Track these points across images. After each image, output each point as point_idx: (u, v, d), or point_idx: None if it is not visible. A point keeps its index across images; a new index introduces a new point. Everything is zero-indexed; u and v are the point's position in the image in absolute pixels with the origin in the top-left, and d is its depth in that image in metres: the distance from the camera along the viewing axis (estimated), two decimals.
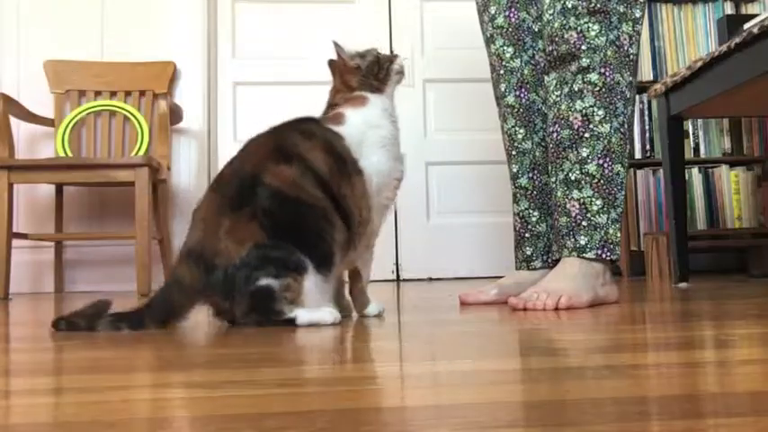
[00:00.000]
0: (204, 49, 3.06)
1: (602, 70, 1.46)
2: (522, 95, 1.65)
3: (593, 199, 1.45)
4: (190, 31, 3.05)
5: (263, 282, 1.09)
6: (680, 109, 2.14)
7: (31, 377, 0.70)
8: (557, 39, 1.49)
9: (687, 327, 0.99)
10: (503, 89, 1.67)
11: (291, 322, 1.12)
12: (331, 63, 1.36)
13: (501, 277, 1.73)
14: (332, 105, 1.32)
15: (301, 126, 1.21)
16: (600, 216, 1.45)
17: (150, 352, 0.87)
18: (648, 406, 0.50)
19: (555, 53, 1.50)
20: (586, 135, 1.46)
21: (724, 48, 1.83)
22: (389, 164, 1.27)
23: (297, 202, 1.12)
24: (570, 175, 1.47)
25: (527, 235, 1.65)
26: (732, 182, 2.89)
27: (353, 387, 0.60)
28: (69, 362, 0.80)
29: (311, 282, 1.12)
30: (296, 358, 0.79)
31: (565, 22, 1.48)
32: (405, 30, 3.23)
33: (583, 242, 1.45)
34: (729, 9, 2.99)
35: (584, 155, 1.46)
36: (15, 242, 2.54)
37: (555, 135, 1.50)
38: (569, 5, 1.48)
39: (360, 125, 1.25)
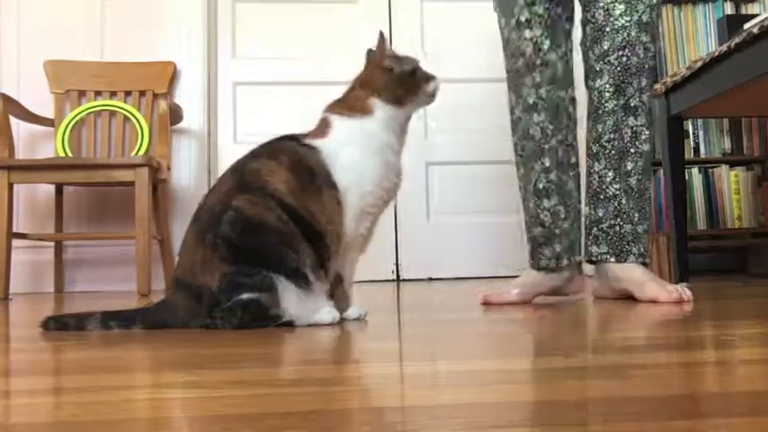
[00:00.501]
0: (204, 49, 3.06)
1: (648, 93, 1.57)
2: (552, 91, 1.59)
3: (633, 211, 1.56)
4: (190, 31, 3.05)
5: (245, 296, 1.09)
6: (680, 109, 2.14)
7: (31, 377, 0.70)
8: (630, 47, 1.53)
9: (687, 327, 0.99)
10: (537, 80, 1.58)
11: (290, 324, 1.12)
12: (369, 52, 1.29)
13: (507, 277, 1.72)
14: (339, 101, 1.27)
15: (273, 146, 1.20)
16: (640, 226, 1.56)
17: (150, 352, 0.87)
18: (648, 406, 0.50)
19: (625, 60, 1.53)
20: (632, 150, 1.55)
21: (724, 48, 1.83)
22: (376, 171, 1.21)
23: (259, 228, 1.11)
24: (628, 183, 1.56)
25: (556, 231, 1.60)
26: (732, 182, 2.89)
27: (354, 387, 0.60)
28: (69, 362, 0.80)
29: (291, 293, 1.11)
30: (296, 358, 0.79)
31: (640, 34, 1.54)
32: (405, 30, 3.23)
33: (642, 249, 1.56)
34: (729, 9, 2.99)
35: (629, 168, 1.56)
36: (15, 242, 2.54)
37: (616, 143, 1.56)
38: (645, 20, 1.54)
39: (345, 136, 1.21)
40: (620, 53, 1.53)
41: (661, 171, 2.86)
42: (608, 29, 1.55)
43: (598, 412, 0.48)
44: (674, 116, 2.19)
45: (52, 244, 2.83)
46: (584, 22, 1.61)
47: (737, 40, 1.76)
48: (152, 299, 2.13)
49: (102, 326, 1.12)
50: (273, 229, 1.11)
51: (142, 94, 2.91)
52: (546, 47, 1.58)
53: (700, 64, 1.96)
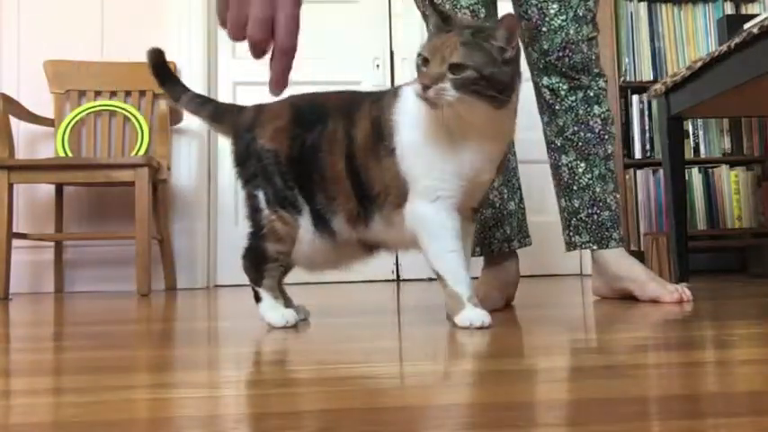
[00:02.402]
0: (204, 49, 3.06)
1: (603, 76, 1.56)
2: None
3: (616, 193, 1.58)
4: (190, 31, 3.05)
5: (255, 192, 1.12)
6: (680, 109, 2.14)
7: (31, 377, 0.70)
8: (572, 46, 1.49)
9: (687, 327, 0.99)
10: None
11: (256, 296, 1.13)
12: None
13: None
14: None
15: (381, 93, 1.13)
16: (618, 209, 1.58)
17: (150, 352, 0.87)
18: (648, 406, 0.50)
19: (567, 60, 1.50)
20: (606, 137, 1.55)
21: (724, 48, 1.83)
22: (445, 156, 1.04)
23: (318, 158, 1.10)
24: (602, 170, 1.55)
25: (504, 212, 1.56)
26: (732, 182, 2.89)
27: (354, 387, 0.60)
28: (69, 362, 0.80)
29: (307, 232, 1.11)
30: (295, 358, 0.79)
31: (580, 30, 1.50)
32: (405, 30, 3.22)
33: (621, 233, 1.57)
34: (729, 9, 2.98)
35: (609, 152, 1.56)
36: (15, 242, 2.54)
37: (582, 134, 1.54)
38: (581, 13, 1.50)
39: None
40: (562, 54, 1.50)
41: (661, 171, 2.86)
42: (544, 29, 1.50)
43: (599, 412, 0.48)
44: (674, 116, 2.19)
45: (52, 244, 2.83)
46: (518, 18, 1.51)
47: (737, 40, 1.76)
48: (152, 299, 2.13)
49: (190, 101, 1.29)
50: (324, 169, 1.10)
51: (142, 94, 2.91)
52: (483, 16, 1.50)
53: (700, 64, 1.96)
